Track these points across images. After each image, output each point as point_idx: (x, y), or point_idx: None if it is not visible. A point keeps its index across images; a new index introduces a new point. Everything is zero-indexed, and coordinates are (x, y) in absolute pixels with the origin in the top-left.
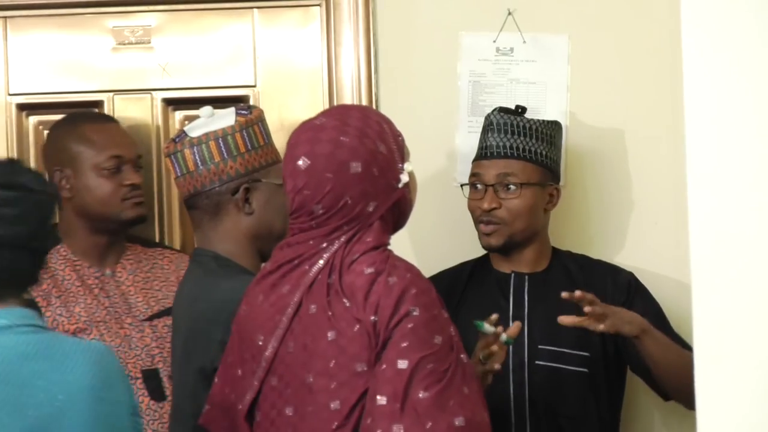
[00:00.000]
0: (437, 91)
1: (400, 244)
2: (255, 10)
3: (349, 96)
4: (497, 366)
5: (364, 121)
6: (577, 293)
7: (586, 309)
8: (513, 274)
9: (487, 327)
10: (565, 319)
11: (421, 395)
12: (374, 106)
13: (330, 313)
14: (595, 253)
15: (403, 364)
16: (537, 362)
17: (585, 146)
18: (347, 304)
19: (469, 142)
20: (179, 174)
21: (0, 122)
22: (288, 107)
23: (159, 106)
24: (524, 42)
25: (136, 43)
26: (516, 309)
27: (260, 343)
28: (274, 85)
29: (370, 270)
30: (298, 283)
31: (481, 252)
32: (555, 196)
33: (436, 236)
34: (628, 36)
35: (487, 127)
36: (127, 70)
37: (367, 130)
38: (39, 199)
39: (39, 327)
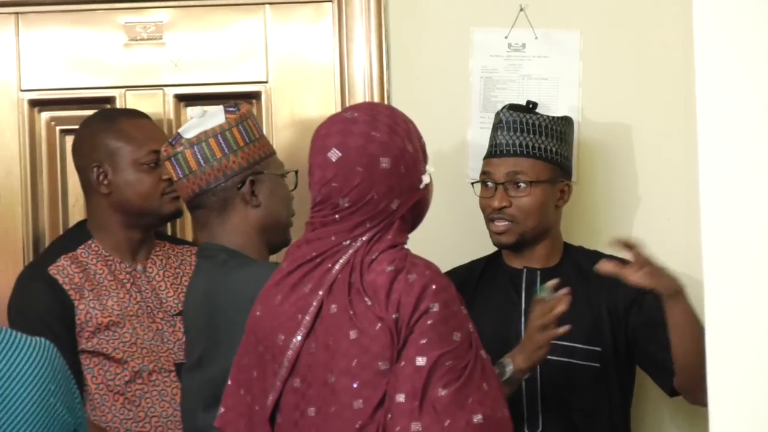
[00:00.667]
0: (449, 87)
1: (412, 239)
2: (267, 6)
3: (360, 92)
4: (565, 328)
5: (393, 119)
6: (627, 240)
7: (633, 253)
8: (525, 270)
9: (548, 293)
10: (605, 266)
11: (439, 393)
12: (386, 102)
13: (351, 312)
14: (606, 249)
15: (421, 361)
16: (549, 357)
17: (597, 142)
18: (369, 303)
19: (481, 138)
20: (181, 176)
21: (12, 118)
22: (300, 103)
23: (171, 102)
24: (536, 38)
25: (148, 39)
26: (528, 304)
27: (281, 343)
28: (285, 81)
29: (390, 268)
30: (320, 282)
31: (493, 248)
32: (566, 192)
33: (448, 232)
34: (640, 32)
35: (497, 125)
36: (139, 66)
37: (396, 128)
38: None
39: None
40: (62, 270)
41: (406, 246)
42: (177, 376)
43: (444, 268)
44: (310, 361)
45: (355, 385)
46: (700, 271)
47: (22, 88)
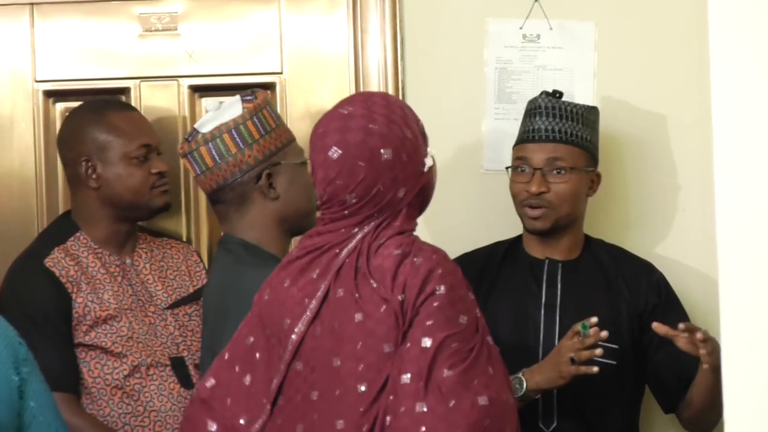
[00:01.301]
0: (463, 78)
1: (427, 230)
2: None
3: (375, 83)
4: (596, 369)
5: (389, 108)
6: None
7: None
8: (547, 261)
9: (590, 331)
10: (661, 329)
11: (445, 374)
12: (400, 94)
13: (357, 296)
14: (622, 239)
15: (427, 342)
16: None
17: (611, 133)
18: (374, 285)
19: (495, 128)
20: (199, 172)
21: (27, 109)
22: (314, 94)
23: (185, 93)
24: (551, 29)
25: (163, 30)
26: (548, 297)
27: (286, 327)
28: (300, 72)
29: (397, 251)
30: (327, 268)
31: (507, 237)
32: (596, 182)
33: (463, 222)
34: (654, 22)
35: (534, 110)
36: (154, 56)
37: (393, 116)
38: None
39: None
40: (58, 263)
41: (414, 233)
42: (172, 371)
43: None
44: (314, 345)
45: (360, 368)
46: (715, 262)
47: (37, 79)
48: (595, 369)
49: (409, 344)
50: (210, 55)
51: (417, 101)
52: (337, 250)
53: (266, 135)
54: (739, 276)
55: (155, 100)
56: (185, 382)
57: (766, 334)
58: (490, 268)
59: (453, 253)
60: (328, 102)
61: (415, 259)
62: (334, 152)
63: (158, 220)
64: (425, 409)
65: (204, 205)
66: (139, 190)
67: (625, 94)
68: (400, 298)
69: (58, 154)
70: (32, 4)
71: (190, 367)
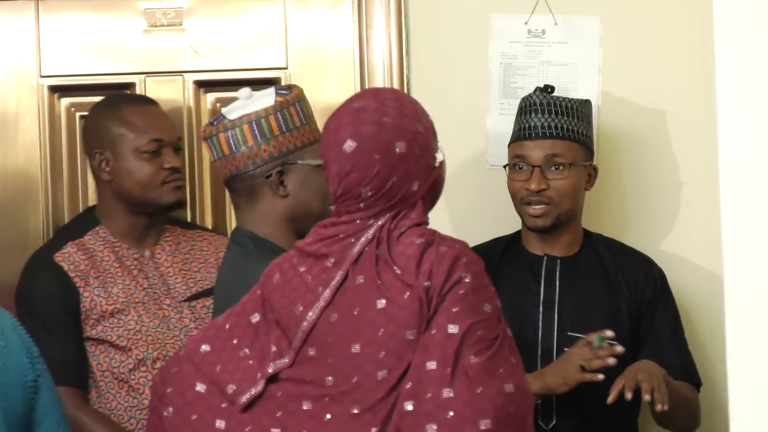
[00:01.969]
0: (468, 73)
1: (433, 225)
2: None
3: (380, 78)
4: (601, 377)
5: (400, 102)
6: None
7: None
8: (545, 257)
9: (602, 342)
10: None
11: (471, 360)
12: (405, 89)
13: (379, 282)
14: (627, 235)
15: (453, 328)
16: (566, 349)
17: (617, 128)
18: (398, 272)
19: (500, 124)
20: (216, 158)
21: (32, 104)
22: (319, 89)
23: (190, 88)
24: (556, 24)
25: (168, 25)
26: (547, 293)
27: (298, 314)
28: (305, 68)
29: (420, 240)
30: (343, 256)
31: (512, 232)
32: (593, 175)
33: (469, 218)
34: (659, 17)
35: (529, 107)
36: (159, 52)
37: (405, 111)
38: None
39: None
40: (68, 257)
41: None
42: None
43: None
44: (329, 331)
45: (381, 355)
46: (720, 258)
47: (42, 74)
48: (601, 376)
49: (434, 331)
50: (215, 51)
51: (422, 96)
52: (352, 240)
53: (287, 132)
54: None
55: (160, 95)
56: None
57: None
58: (489, 264)
59: None
60: (334, 97)
61: (439, 248)
62: (349, 146)
63: None
64: (452, 395)
65: (208, 201)
66: (149, 184)
67: (630, 89)
68: (426, 284)
69: (64, 149)
70: None
71: None
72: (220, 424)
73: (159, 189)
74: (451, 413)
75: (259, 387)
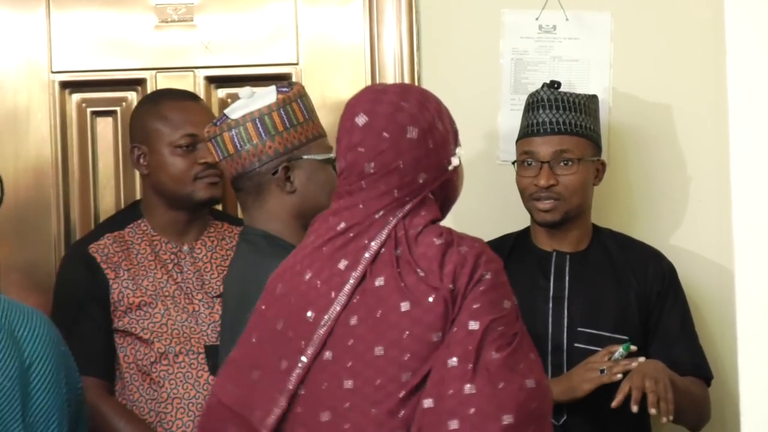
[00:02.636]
0: (479, 68)
1: (444, 221)
2: None
3: (391, 74)
4: (619, 376)
5: (425, 97)
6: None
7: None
8: (555, 253)
9: (623, 355)
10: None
11: (493, 356)
12: (416, 84)
13: (403, 285)
14: (637, 230)
15: (474, 325)
16: (576, 345)
17: (628, 124)
18: (421, 275)
19: (511, 119)
20: (221, 157)
21: (43, 100)
22: (330, 85)
23: (201, 83)
24: (567, 19)
25: (179, 21)
26: (556, 289)
27: (311, 320)
28: (316, 63)
29: (439, 241)
30: (357, 258)
31: (523, 228)
32: (601, 170)
33: (480, 214)
34: (670, 13)
35: (536, 103)
36: (170, 47)
37: (427, 104)
38: None
39: None
40: (102, 248)
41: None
42: (205, 359)
43: None
44: (348, 334)
45: (406, 357)
46: (731, 252)
47: (53, 70)
48: (619, 376)
49: (455, 328)
50: (226, 46)
51: (432, 92)
52: (366, 241)
53: (291, 128)
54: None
55: None
56: (215, 370)
57: None
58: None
59: None
60: (344, 93)
61: (460, 248)
62: (361, 118)
63: None
64: (474, 391)
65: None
66: (181, 179)
67: (641, 85)
68: (450, 286)
69: (75, 145)
70: None
71: None
72: None
73: (192, 184)
74: (473, 409)
75: (282, 404)
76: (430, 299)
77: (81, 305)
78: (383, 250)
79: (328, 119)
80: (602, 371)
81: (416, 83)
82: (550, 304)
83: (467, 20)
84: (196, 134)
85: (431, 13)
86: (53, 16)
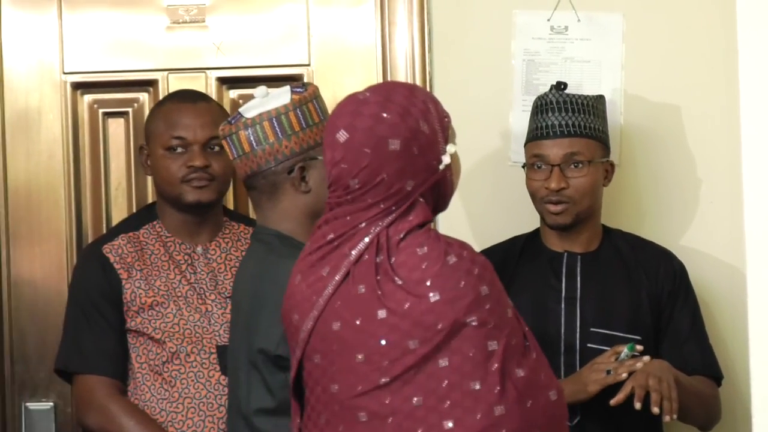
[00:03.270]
0: (491, 69)
1: (456, 223)
2: None
3: (402, 75)
4: (624, 375)
5: (409, 99)
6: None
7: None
8: (566, 254)
9: (629, 354)
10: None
11: (518, 374)
12: (428, 85)
13: (380, 293)
14: (650, 233)
15: (493, 345)
16: (588, 345)
17: (640, 125)
18: (399, 283)
19: (523, 120)
20: (236, 156)
21: (55, 101)
22: (342, 86)
23: (213, 85)
24: (579, 20)
25: (191, 22)
26: (568, 290)
27: (296, 323)
28: (328, 64)
29: (422, 250)
30: (338, 265)
31: (534, 229)
32: (610, 171)
33: (491, 215)
34: (682, 14)
35: (544, 106)
36: (182, 48)
37: (411, 108)
38: None
39: None
40: (116, 249)
41: (431, 226)
42: (216, 359)
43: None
44: (334, 338)
45: (384, 364)
46: (743, 253)
47: (65, 71)
48: (624, 376)
49: (472, 351)
50: (238, 47)
51: (444, 93)
52: (347, 250)
53: (307, 128)
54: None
55: None
56: (227, 370)
57: None
58: (508, 263)
59: (480, 244)
60: None
61: (447, 258)
62: (342, 135)
63: None
64: (503, 412)
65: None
66: (170, 181)
67: (653, 85)
68: (432, 296)
69: (86, 146)
70: None
71: None
72: None
73: (179, 186)
74: (504, 430)
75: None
76: (406, 306)
77: (94, 304)
78: (366, 256)
79: None
80: (608, 372)
81: (428, 84)
82: (563, 305)
83: (479, 21)
84: (185, 137)
85: (443, 14)
86: (65, 17)
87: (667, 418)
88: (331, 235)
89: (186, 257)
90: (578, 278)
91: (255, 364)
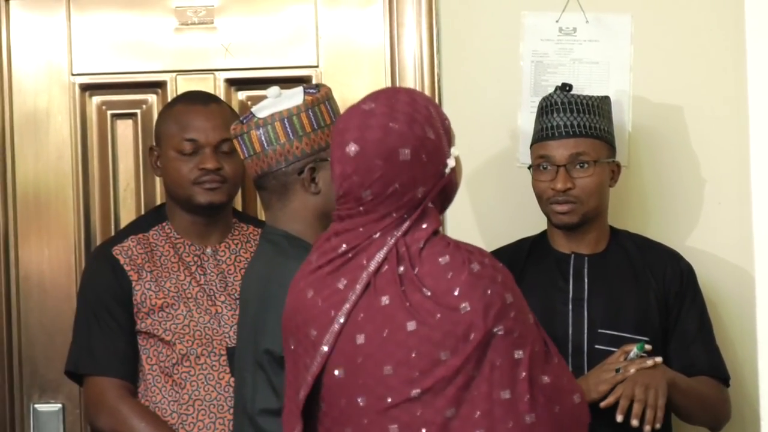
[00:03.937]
0: (500, 71)
1: (464, 223)
2: None
3: (411, 76)
4: (632, 370)
5: (413, 106)
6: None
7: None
8: (573, 255)
9: (638, 354)
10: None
11: (545, 381)
12: (436, 87)
13: (408, 304)
14: (658, 234)
15: (519, 354)
16: (596, 347)
17: (648, 126)
18: (428, 294)
19: (531, 122)
20: (247, 155)
21: (63, 102)
22: (350, 87)
23: (222, 86)
24: (587, 22)
25: (199, 24)
26: (576, 291)
27: (313, 338)
28: (336, 65)
29: (445, 259)
30: (356, 277)
31: (542, 230)
32: (616, 172)
33: (499, 216)
34: (690, 15)
35: (550, 107)
36: (190, 50)
37: (416, 116)
38: None
39: None
40: (126, 250)
41: (440, 231)
42: (226, 361)
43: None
44: (357, 352)
45: (415, 375)
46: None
47: (74, 72)
48: (632, 370)
49: (499, 360)
50: (246, 49)
51: (453, 95)
52: (364, 261)
53: (318, 130)
54: None
55: None
56: None
57: None
58: (515, 265)
59: (488, 245)
60: (364, 95)
61: (471, 266)
62: (352, 148)
63: None
64: (534, 419)
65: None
66: (181, 184)
67: (661, 87)
68: (463, 306)
69: (95, 148)
70: None
71: None
72: None
73: (191, 188)
74: None
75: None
76: (437, 318)
77: (105, 306)
78: (385, 267)
79: None
80: (617, 370)
81: (436, 86)
82: (570, 306)
83: (487, 22)
84: (197, 140)
85: (451, 16)
86: (73, 18)
87: (647, 428)
88: (344, 247)
89: (196, 259)
90: (585, 279)
91: (261, 365)
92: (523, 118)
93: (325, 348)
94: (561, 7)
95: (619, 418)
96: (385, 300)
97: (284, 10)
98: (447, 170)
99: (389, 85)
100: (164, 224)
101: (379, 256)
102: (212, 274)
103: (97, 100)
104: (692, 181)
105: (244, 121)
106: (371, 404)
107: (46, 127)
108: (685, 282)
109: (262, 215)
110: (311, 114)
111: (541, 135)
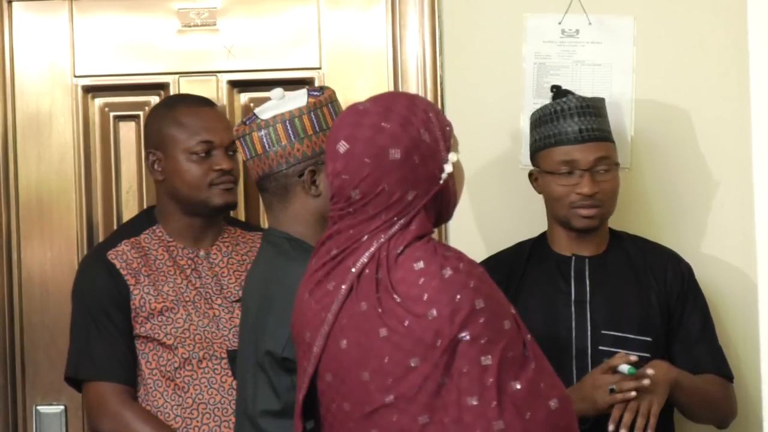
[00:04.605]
0: (502, 73)
1: (465, 226)
2: None
3: (413, 78)
4: (633, 394)
5: (410, 109)
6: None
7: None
8: (574, 257)
9: (632, 370)
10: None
11: (515, 387)
12: (439, 89)
13: (380, 310)
14: (662, 236)
15: (487, 360)
16: (600, 348)
17: (651, 128)
18: (398, 300)
19: None
20: (248, 157)
21: (66, 104)
22: (353, 89)
23: (224, 88)
24: (590, 24)
25: (202, 25)
26: (578, 293)
27: (308, 340)
28: (338, 67)
29: (419, 264)
30: (342, 280)
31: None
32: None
33: (501, 218)
34: (693, 17)
35: (564, 112)
36: (193, 52)
37: (412, 118)
38: None
39: None
40: (121, 255)
41: (432, 236)
42: (228, 364)
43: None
44: (342, 357)
45: (389, 382)
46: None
47: (76, 74)
48: (633, 394)
49: (466, 367)
50: (249, 51)
51: (455, 96)
52: (350, 264)
53: (320, 132)
54: None
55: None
56: None
57: None
58: (516, 268)
59: (490, 248)
60: (366, 97)
61: (443, 271)
62: (342, 146)
63: None
64: (503, 426)
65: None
66: (197, 186)
67: (664, 89)
68: (430, 312)
69: (98, 150)
70: None
71: None
72: None
73: (208, 191)
74: None
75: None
76: (405, 324)
77: (103, 311)
78: (366, 272)
79: None
80: (612, 390)
81: (439, 88)
82: (572, 308)
83: (490, 24)
84: (212, 141)
85: (454, 17)
86: (76, 20)
87: None
88: (335, 251)
89: (189, 262)
90: (587, 281)
91: (262, 366)
92: (526, 120)
93: (315, 350)
94: (563, 9)
95: (611, 427)
96: (363, 305)
97: (287, 12)
98: (443, 176)
99: (392, 87)
100: (155, 228)
101: (363, 259)
102: (207, 277)
103: (99, 101)
104: (695, 184)
105: (247, 122)
106: (354, 410)
107: (48, 129)
108: (686, 282)
109: (263, 217)
110: (313, 116)
111: (560, 139)
